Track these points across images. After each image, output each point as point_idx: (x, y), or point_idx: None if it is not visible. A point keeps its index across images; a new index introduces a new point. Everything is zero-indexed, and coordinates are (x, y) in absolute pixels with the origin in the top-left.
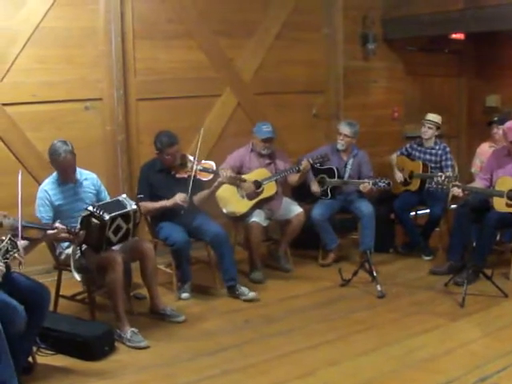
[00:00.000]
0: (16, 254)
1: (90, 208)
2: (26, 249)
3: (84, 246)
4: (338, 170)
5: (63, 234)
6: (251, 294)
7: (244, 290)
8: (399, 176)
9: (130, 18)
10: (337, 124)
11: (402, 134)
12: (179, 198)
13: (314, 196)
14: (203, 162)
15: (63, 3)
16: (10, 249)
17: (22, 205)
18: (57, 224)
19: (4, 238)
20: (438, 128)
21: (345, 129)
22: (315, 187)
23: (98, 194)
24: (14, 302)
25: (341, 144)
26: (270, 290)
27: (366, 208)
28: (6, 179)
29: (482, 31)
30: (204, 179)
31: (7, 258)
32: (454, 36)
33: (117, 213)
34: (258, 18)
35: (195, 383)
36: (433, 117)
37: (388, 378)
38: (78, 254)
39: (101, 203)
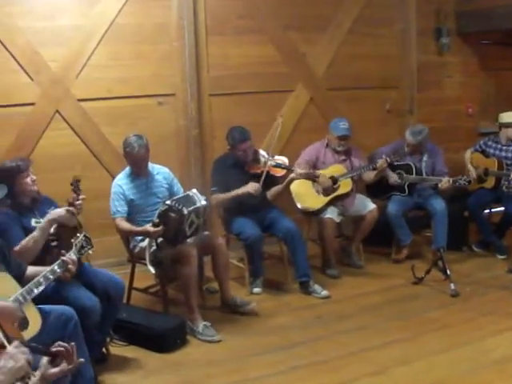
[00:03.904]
0: (90, 251)
1: (168, 202)
2: None
3: (160, 239)
4: (415, 166)
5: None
6: (324, 293)
7: (317, 288)
8: (473, 172)
9: (202, 13)
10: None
11: (476, 130)
12: (252, 187)
13: (389, 192)
14: (276, 157)
15: (136, 0)
16: (84, 245)
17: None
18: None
19: (79, 234)
20: None
21: (409, 138)
22: (394, 178)
23: (170, 187)
24: (90, 294)
25: (407, 149)
26: (342, 286)
27: (439, 205)
28: (82, 174)
29: None
30: (277, 175)
31: (82, 254)
32: None
33: (193, 207)
34: (330, 12)
35: (265, 378)
36: (507, 116)
37: (460, 378)
38: (154, 247)
39: (176, 197)
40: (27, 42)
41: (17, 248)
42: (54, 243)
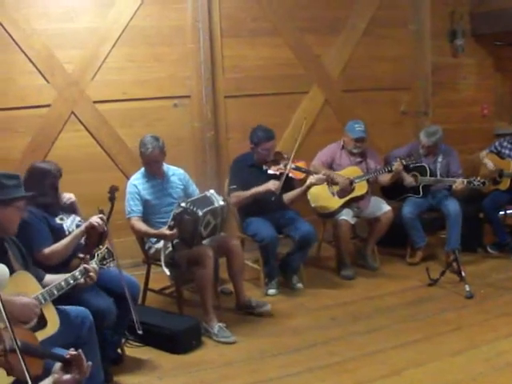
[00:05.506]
0: (111, 264)
1: (183, 204)
2: None
3: (175, 241)
4: (429, 167)
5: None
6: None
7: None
8: (490, 165)
9: (217, 15)
10: (424, 122)
11: (491, 132)
12: (273, 184)
13: (404, 194)
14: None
15: (151, 2)
16: (106, 257)
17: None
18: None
19: (102, 246)
20: None
21: (424, 140)
22: (409, 180)
23: (185, 188)
24: (105, 296)
25: (422, 151)
26: (357, 288)
27: (453, 206)
28: (97, 175)
29: None
30: (296, 178)
31: (104, 265)
32: None
33: (208, 208)
34: (344, 14)
35: (280, 379)
36: None
37: (475, 380)
38: (170, 248)
39: (191, 199)
40: (43, 44)
41: (47, 251)
42: (83, 242)
